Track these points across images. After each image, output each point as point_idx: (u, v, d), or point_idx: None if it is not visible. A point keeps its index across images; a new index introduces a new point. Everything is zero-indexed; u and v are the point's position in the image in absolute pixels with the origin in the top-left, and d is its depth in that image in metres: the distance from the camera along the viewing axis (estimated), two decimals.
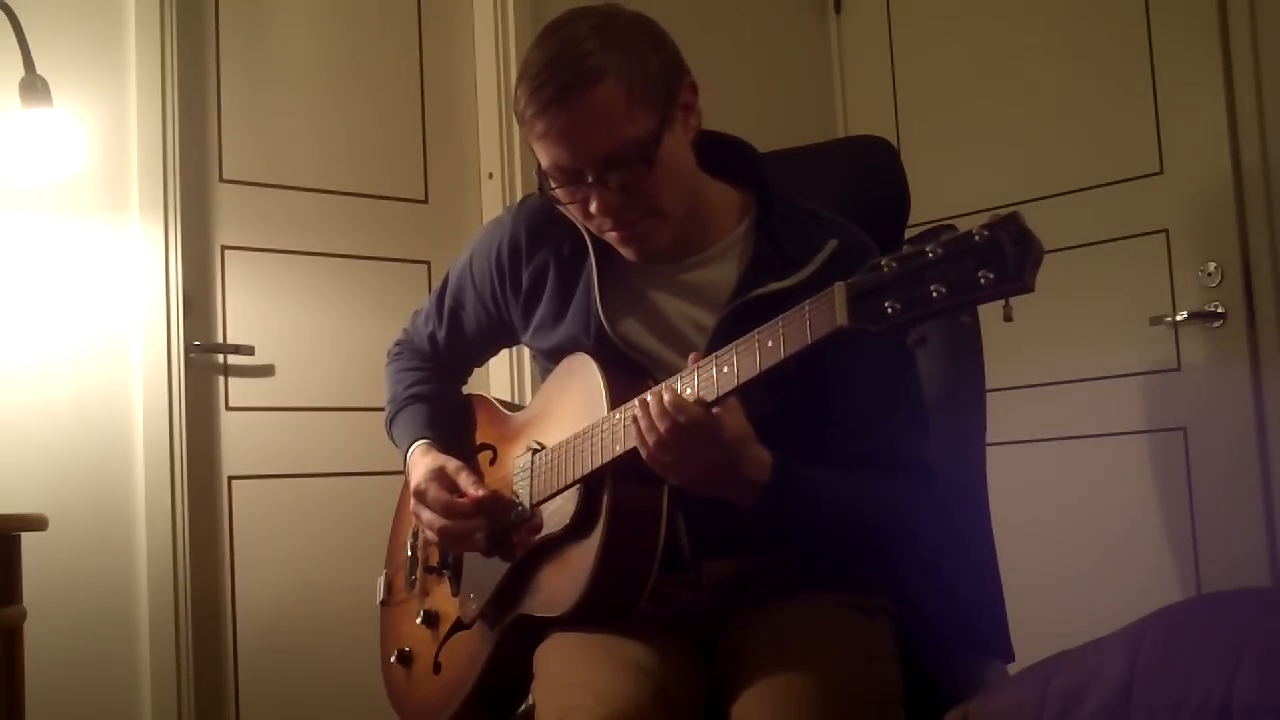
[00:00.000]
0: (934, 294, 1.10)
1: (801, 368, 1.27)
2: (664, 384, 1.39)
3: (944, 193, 2.84)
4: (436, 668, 1.70)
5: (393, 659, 1.78)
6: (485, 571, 1.63)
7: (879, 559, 1.62)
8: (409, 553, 1.82)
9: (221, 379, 2.56)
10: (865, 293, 1.15)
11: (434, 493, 1.61)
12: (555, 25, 1.48)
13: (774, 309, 1.29)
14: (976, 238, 1.09)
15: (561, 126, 1.43)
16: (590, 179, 1.46)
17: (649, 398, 1.37)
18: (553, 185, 1.50)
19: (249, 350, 2.57)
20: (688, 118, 1.51)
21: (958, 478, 1.79)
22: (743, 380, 1.29)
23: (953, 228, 1.14)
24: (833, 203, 1.66)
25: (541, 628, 1.54)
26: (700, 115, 1.53)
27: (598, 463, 1.45)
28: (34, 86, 2.13)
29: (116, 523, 2.36)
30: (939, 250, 1.11)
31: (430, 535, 1.66)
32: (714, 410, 1.33)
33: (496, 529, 1.60)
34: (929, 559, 1.67)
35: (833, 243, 1.52)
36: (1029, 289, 1.07)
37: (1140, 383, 2.78)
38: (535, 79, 1.43)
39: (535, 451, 1.59)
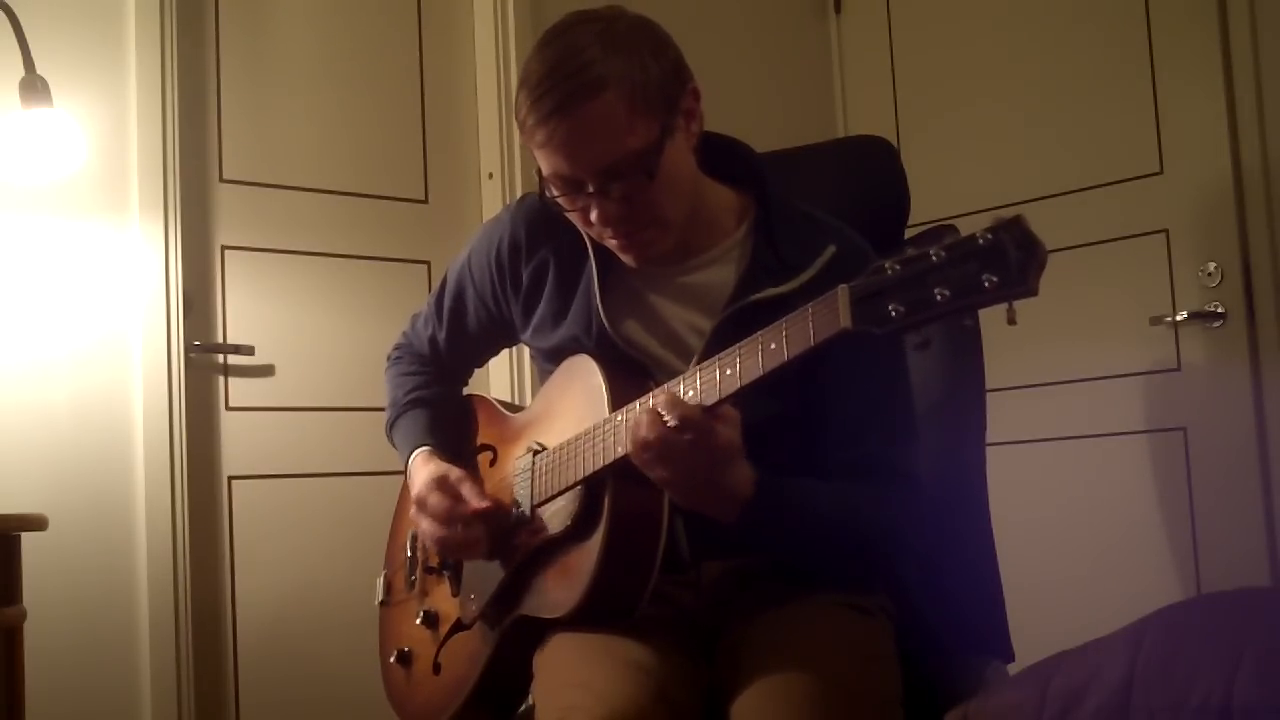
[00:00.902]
0: (938, 297, 1.10)
1: (799, 373, 1.27)
2: (665, 386, 1.39)
3: (944, 193, 2.84)
4: (436, 668, 1.70)
5: (392, 659, 1.78)
6: (486, 572, 1.63)
7: (868, 568, 1.61)
8: (408, 553, 1.82)
9: (221, 379, 2.56)
10: (869, 295, 1.15)
11: (435, 501, 1.60)
12: (557, 30, 1.47)
13: (771, 314, 1.29)
14: (980, 241, 1.09)
15: (562, 137, 1.42)
16: (591, 189, 1.45)
17: (646, 399, 1.36)
18: (553, 193, 1.50)
19: (249, 350, 2.57)
20: (689, 124, 1.50)
21: (958, 478, 1.79)
22: (745, 382, 1.29)
23: (953, 228, 1.14)
24: (832, 203, 1.66)
25: (542, 628, 1.54)
26: (702, 120, 1.52)
27: (599, 464, 1.44)
28: (34, 86, 2.13)
29: (116, 523, 2.36)
30: (942, 253, 1.11)
31: (431, 545, 1.65)
32: (709, 417, 1.32)
33: (497, 533, 1.60)
34: (918, 568, 1.67)
35: (831, 248, 1.52)
36: (1032, 293, 1.07)
37: (1140, 383, 2.78)
38: (536, 88, 1.42)
39: (536, 453, 1.59)
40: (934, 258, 1.11)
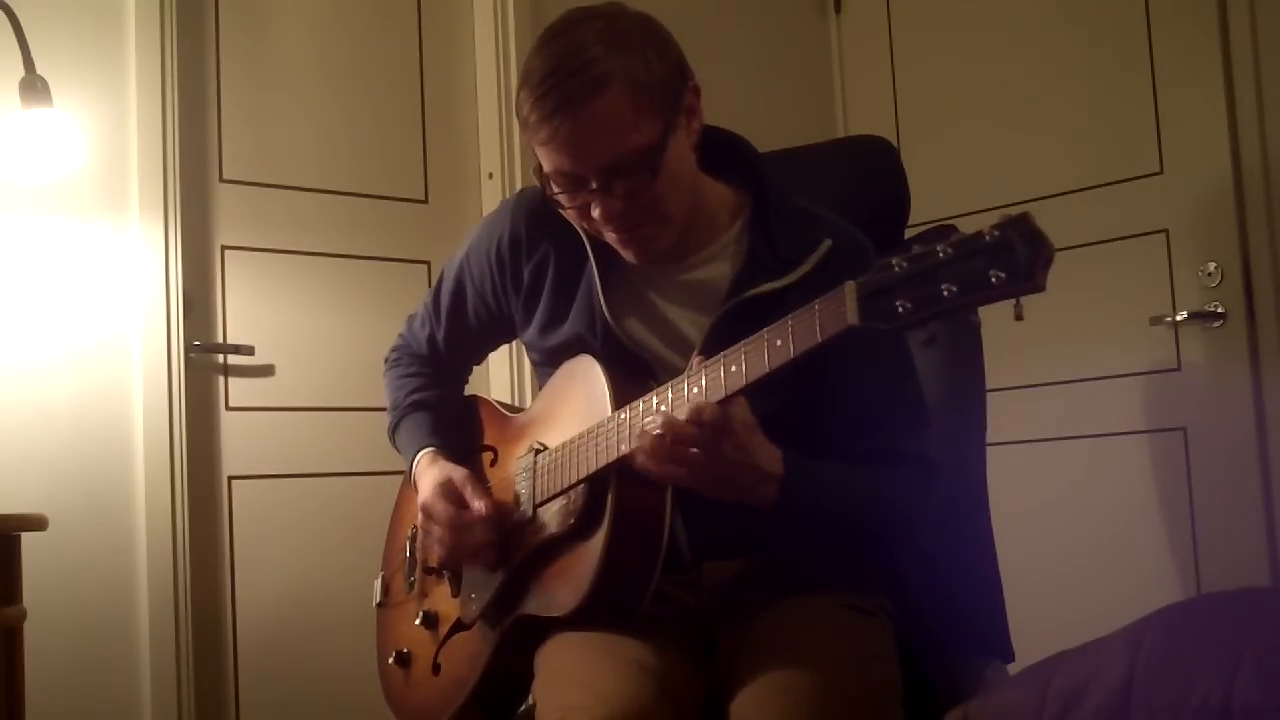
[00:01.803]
0: (945, 293, 1.10)
1: (804, 367, 1.27)
2: (669, 384, 1.39)
3: (944, 193, 2.84)
4: (436, 669, 1.70)
5: (390, 660, 1.78)
6: (486, 572, 1.63)
7: (885, 552, 1.61)
8: (407, 554, 1.82)
9: (221, 379, 2.56)
10: (876, 291, 1.15)
11: (440, 509, 1.60)
12: (559, 27, 1.46)
13: (768, 309, 1.29)
14: (987, 237, 1.09)
15: (566, 134, 1.41)
16: (594, 185, 1.45)
17: (650, 398, 1.36)
18: (554, 190, 1.50)
19: (249, 350, 2.57)
20: (691, 121, 1.50)
21: (958, 478, 1.79)
22: (751, 379, 1.29)
23: (953, 228, 1.14)
24: (832, 202, 1.66)
25: (543, 628, 1.54)
26: (702, 118, 1.53)
27: (601, 463, 1.44)
28: (34, 86, 2.13)
29: (116, 523, 2.36)
30: (950, 250, 1.11)
31: (440, 551, 1.65)
32: (722, 406, 1.32)
33: (501, 534, 1.60)
34: (933, 553, 1.67)
35: (827, 242, 1.52)
36: (1040, 289, 1.07)
37: (1140, 383, 2.78)
38: (540, 85, 1.41)
39: (538, 452, 1.59)
40: (941, 254, 1.11)
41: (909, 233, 1.88)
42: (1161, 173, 2.77)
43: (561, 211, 1.55)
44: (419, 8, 2.90)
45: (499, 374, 2.80)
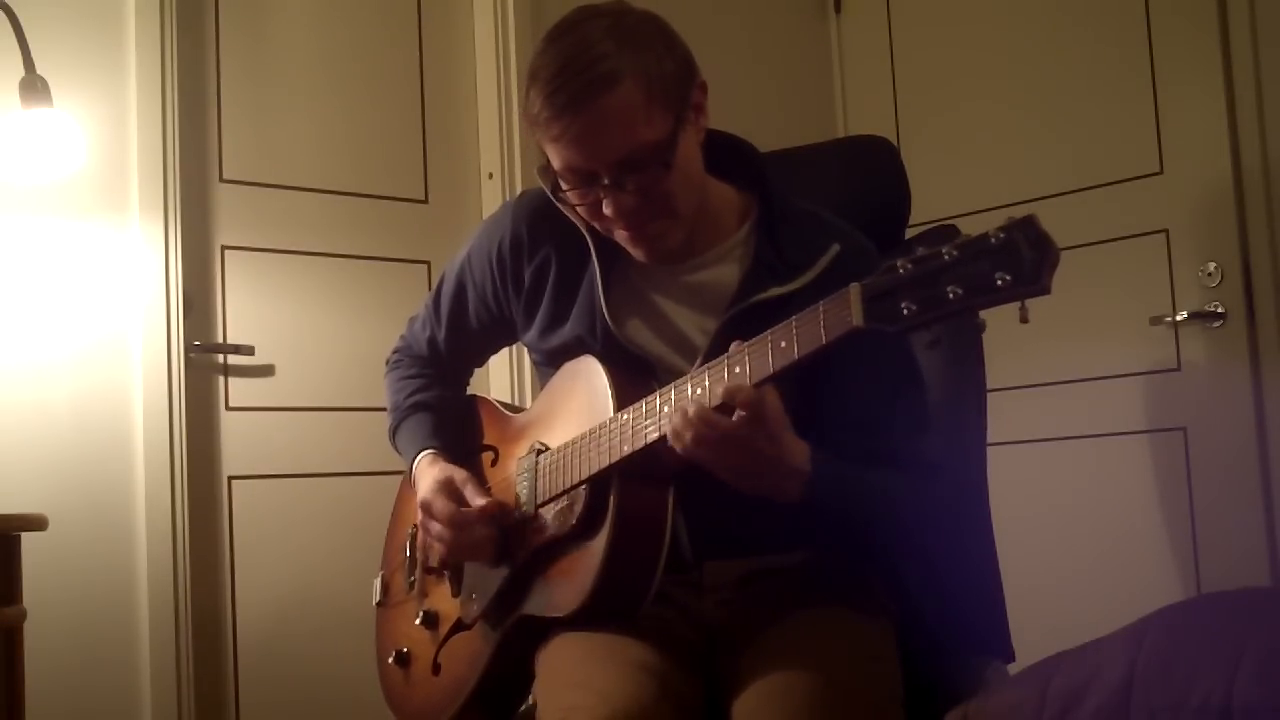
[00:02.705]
0: (950, 295, 1.10)
1: (801, 371, 1.27)
2: (672, 385, 1.39)
3: (944, 193, 2.84)
4: (436, 669, 1.70)
5: (390, 660, 1.78)
6: (487, 572, 1.63)
7: (886, 552, 1.61)
8: (407, 554, 1.82)
9: (221, 379, 2.56)
10: (881, 294, 1.15)
11: (440, 505, 1.60)
12: (566, 26, 1.46)
13: (775, 314, 1.29)
14: (993, 239, 1.09)
15: (578, 130, 1.41)
16: (606, 181, 1.45)
17: (653, 399, 1.36)
18: (564, 187, 1.49)
19: (249, 350, 2.57)
20: (699, 118, 1.50)
21: (959, 478, 1.79)
22: (755, 381, 1.29)
23: (954, 228, 1.14)
24: (833, 202, 1.66)
25: (544, 628, 1.54)
26: (708, 116, 1.53)
27: (604, 464, 1.44)
28: (34, 86, 2.13)
29: (116, 523, 2.36)
30: (955, 252, 1.11)
31: (439, 548, 1.65)
32: (759, 392, 1.30)
33: (500, 533, 1.60)
34: (933, 553, 1.67)
35: (835, 247, 1.51)
36: (1046, 291, 1.07)
37: (1140, 383, 2.78)
38: (550, 82, 1.41)
39: (539, 452, 1.59)
40: (946, 256, 1.11)
41: (909, 233, 1.88)
42: (1161, 173, 2.77)
43: (570, 211, 1.55)
44: (419, 8, 2.90)
45: (499, 374, 2.80)
